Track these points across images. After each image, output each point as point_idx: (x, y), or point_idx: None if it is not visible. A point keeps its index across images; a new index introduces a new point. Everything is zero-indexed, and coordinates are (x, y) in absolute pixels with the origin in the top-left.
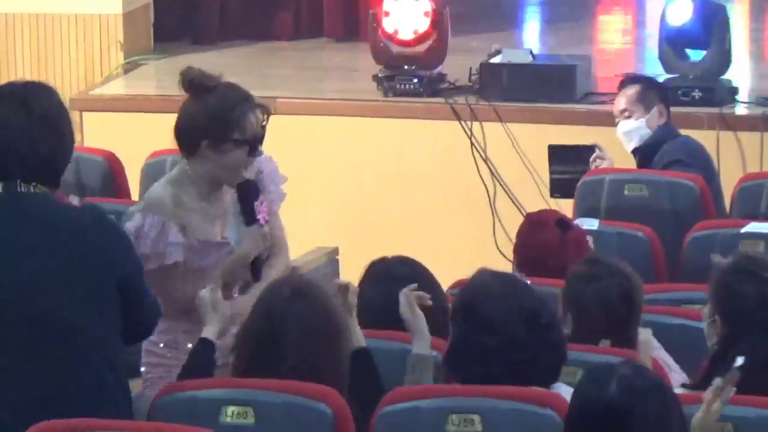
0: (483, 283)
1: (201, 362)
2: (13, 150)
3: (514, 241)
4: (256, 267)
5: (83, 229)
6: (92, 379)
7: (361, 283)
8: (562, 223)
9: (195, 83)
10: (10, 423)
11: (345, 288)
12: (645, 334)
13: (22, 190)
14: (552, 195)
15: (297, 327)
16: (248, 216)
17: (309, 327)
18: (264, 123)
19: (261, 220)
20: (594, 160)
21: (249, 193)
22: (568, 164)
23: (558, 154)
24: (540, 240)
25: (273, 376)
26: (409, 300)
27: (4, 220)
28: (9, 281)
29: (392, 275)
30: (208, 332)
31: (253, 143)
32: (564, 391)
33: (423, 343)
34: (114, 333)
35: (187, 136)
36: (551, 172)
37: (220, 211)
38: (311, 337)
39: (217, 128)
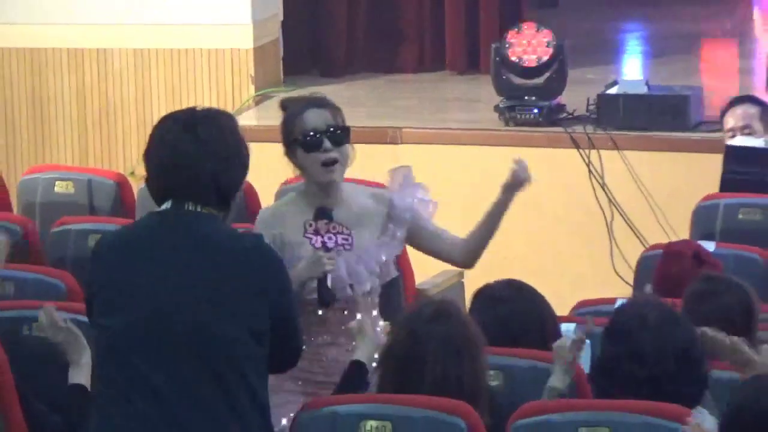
0: (639, 312)
1: (358, 385)
2: (179, 171)
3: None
4: (319, 290)
5: (242, 252)
6: (228, 398)
7: (471, 309)
8: (698, 256)
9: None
10: None
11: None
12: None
13: (190, 209)
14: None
15: (439, 347)
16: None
17: (451, 346)
18: (332, 120)
19: (316, 243)
20: None
21: (317, 216)
22: (743, 165)
23: (734, 154)
24: (676, 271)
25: (415, 393)
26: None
27: (164, 236)
28: (161, 294)
29: (496, 298)
30: (360, 354)
31: (311, 138)
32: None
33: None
34: (263, 359)
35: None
36: (725, 171)
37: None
38: (453, 356)
39: (284, 136)
